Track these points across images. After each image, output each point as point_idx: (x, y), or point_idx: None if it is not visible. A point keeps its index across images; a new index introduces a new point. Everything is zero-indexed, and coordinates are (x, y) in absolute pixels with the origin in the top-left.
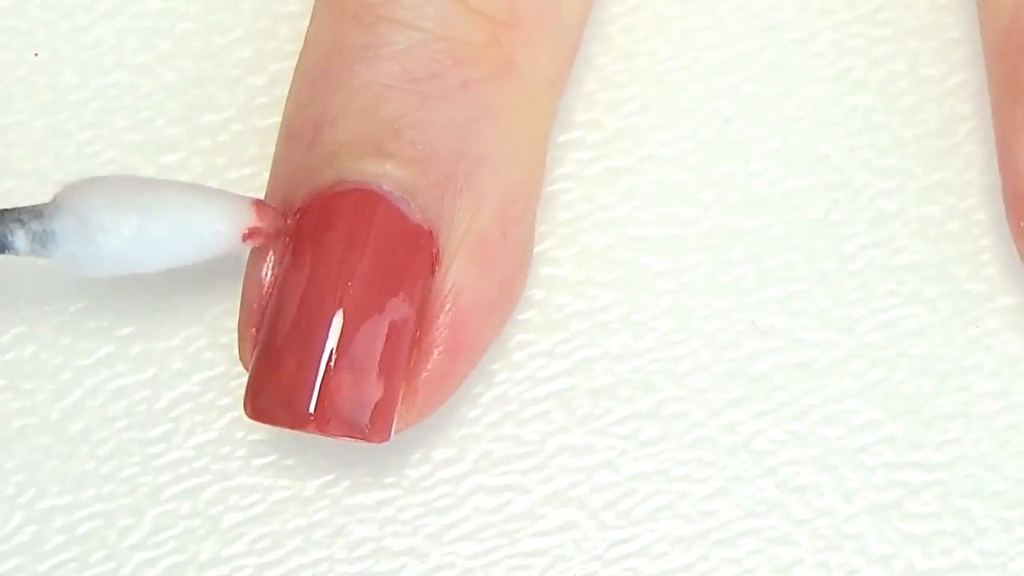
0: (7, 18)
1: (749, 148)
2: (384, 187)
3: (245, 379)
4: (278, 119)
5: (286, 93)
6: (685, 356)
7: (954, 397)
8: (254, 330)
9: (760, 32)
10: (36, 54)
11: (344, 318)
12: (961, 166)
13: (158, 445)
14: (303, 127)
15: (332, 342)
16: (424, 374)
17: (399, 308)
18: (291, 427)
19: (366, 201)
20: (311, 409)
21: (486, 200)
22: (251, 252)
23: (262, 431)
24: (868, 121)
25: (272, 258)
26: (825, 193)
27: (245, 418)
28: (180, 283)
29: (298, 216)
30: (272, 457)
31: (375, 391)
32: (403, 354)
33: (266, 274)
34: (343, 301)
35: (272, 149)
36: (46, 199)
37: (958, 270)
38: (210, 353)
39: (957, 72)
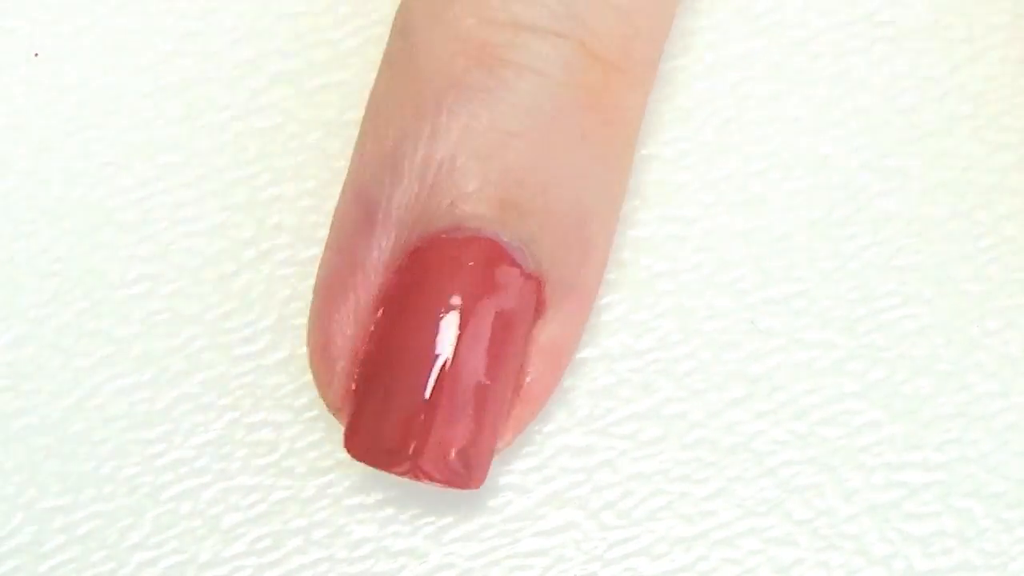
0: (7, 18)
1: (750, 148)
2: (503, 237)
3: (245, 379)
4: (278, 120)
5: (286, 94)
6: (685, 356)
7: (954, 397)
8: (343, 365)
9: (761, 32)
10: (36, 54)
11: (454, 367)
12: (962, 167)
13: (158, 445)
14: (415, 162)
15: (441, 390)
16: (511, 422)
17: (508, 359)
18: (389, 471)
19: (485, 250)
20: (412, 453)
21: (592, 252)
22: (335, 276)
23: (262, 431)
24: (869, 121)
25: (364, 300)
26: (826, 193)
27: (245, 418)
28: (180, 284)
29: (410, 258)
30: (272, 457)
31: (480, 441)
32: (505, 405)
33: (363, 308)
34: (455, 350)
35: (272, 148)
36: (46, 199)
37: (959, 270)
38: (210, 354)
39: (958, 72)
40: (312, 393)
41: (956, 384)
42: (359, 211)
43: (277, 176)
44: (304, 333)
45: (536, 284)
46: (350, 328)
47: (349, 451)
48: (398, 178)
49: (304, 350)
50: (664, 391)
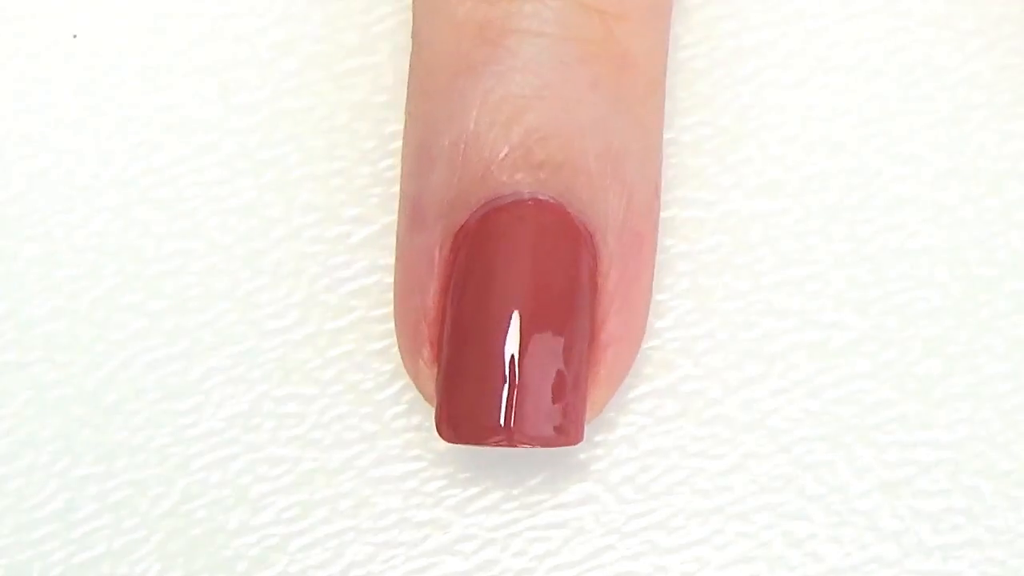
0: (8, 18)
1: (767, 134)
2: (540, 195)
3: (273, 353)
4: (309, 101)
5: (317, 76)
6: (703, 335)
7: (964, 378)
8: (426, 352)
9: (779, 21)
10: (75, 35)
11: (523, 330)
12: (973, 153)
13: (189, 416)
14: (442, 149)
15: (516, 355)
16: (602, 370)
17: (572, 309)
18: (487, 444)
19: (525, 212)
20: (502, 423)
21: (636, 193)
22: (400, 278)
23: (290, 404)
24: (884, 109)
25: (431, 291)
26: (841, 178)
27: (273, 391)
28: (212, 260)
29: (459, 238)
30: (300, 430)
31: (573, 398)
32: (582, 355)
33: (431, 300)
34: (520, 313)
35: (302, 129)
36: (82, 176)
37: (970, 254)
38: (240, 328)
39: (971, 62)
40: (338, 367)
41: (966, 365)
42: (406, 209)
43: (307, 156)
44: (331, 308)
45: (586, 236)
46: (423, 323)
47: (443, 436)
48: (429, 168)
49: (331, 325)
50: (682, 369)
